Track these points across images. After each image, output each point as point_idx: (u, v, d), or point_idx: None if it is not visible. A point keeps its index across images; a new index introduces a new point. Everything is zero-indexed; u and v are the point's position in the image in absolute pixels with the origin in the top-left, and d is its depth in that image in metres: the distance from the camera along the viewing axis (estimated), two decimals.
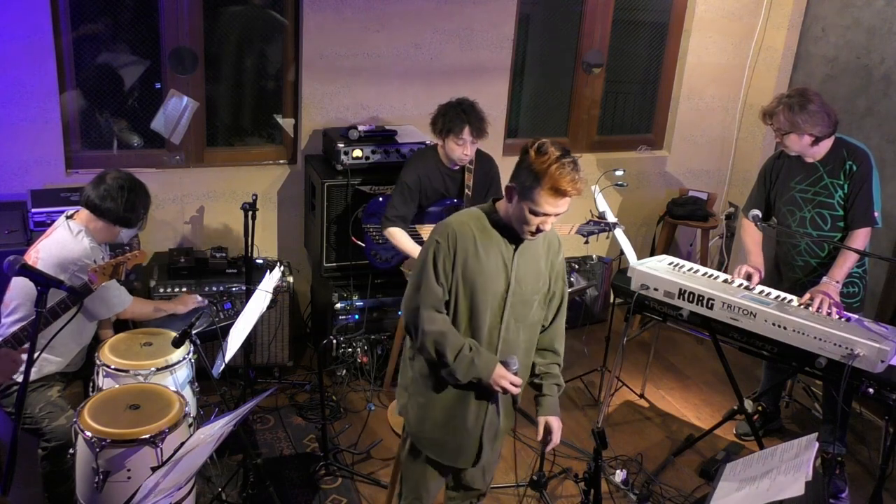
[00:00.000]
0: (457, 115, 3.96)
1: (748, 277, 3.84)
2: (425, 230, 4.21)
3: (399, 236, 4.11)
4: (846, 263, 3.70)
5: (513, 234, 2.65)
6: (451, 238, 2.62)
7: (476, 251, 2.63)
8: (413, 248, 4.08)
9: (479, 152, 4.19)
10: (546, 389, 2.84)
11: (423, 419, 2.83)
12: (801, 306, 3.63)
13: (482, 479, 3.02)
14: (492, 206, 2.71)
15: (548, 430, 2.80)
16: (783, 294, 3.74)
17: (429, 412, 2.80)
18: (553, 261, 2.78)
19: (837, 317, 3.55)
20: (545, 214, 2.54)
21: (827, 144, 3.73)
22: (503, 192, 2.68)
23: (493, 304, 2.67)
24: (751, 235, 3.99)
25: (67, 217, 3.36)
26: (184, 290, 4.30)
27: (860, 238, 3.71)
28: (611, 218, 4.34)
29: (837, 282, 3.68)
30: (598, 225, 4.19)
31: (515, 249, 2.67)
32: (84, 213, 3.35)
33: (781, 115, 3.66)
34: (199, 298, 3.82)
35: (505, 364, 2.66)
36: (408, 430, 2.91)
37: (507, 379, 2.64)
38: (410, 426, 2.88)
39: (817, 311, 3.57)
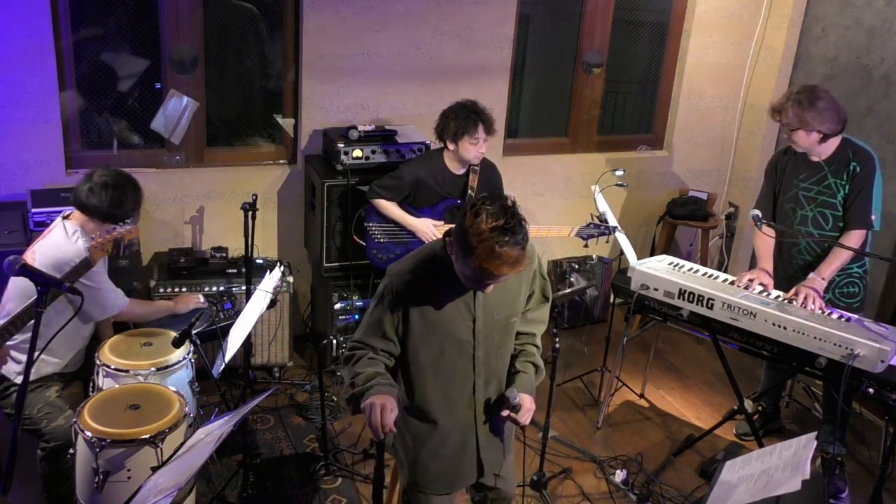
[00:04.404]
0: (468, 116, 4.03)
1: (759, 284, 3.84)
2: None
3: (389, 206, 4.23)
4: (835, 262, 3.70)
5: None
6: (397, 293, 2.49)
7: (431, 299, 2.49)
8: (403, 216, 4.23)
9: (482, 158, 4.22)
10: (520, 366, 2.72)
11: (415, 458, 2.72)
12: (786, 301, 3.66)
13: (504, 483, 2.90)
14: (444, 245, 2.49)
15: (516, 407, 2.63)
16: (783, 294, 3.75)
17: (420, 448, 2.70)
18: (529, 274, 2.63)
19: (821, 312, 3.57)
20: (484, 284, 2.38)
21: (834, 143, 3.72)
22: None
23: (462, 346, 2.57)
24: (762, 239, 3.95)
25: (64, 217, 3.36)
26: (184, 290, 4.31)
27: (853, 239, 3.70)
28: (612, 220, 4.34)
29: (823, 279, 3.69)
30: (598, 228, 4.20)
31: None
32: (78, 212, 3.35)
33: (790, 111, 3.64)
34: (202, 299, 3.82)
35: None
36: (403, 474, 2.79)
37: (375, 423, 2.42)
38: (404, 471, 2.77)
39: (802, 305, 3.61)
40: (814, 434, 2.66)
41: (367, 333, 2.59)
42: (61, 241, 3.27)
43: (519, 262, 2.29)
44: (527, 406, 2.62)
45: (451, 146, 4.13)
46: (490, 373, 2.66)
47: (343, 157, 4.41)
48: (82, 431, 2.92)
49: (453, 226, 2.43)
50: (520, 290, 2.64)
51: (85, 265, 3.16)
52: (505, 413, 2.62)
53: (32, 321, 2.64)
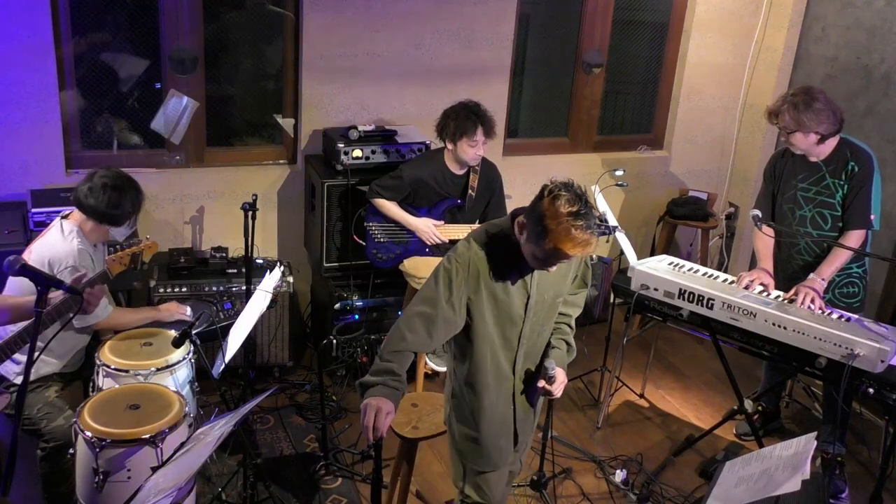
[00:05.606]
0: (468, 118, 4.04)
1: (759, 284, 3.83)
2: (450, 231, 4.25)
3: (389, 205, 4.24)
4: (836, 262, 3.70)
5: None
6: (471, 266, 2.58)
7: (499, 275, 2.61)
8: (403, 216, 4.23)
9: (482, 158, 4.22)
10: (554, 342, 2.85)
11: (468, 429, 2.80)
12: (786, 301, 3.66)
13: (518, 462, 3.04)
14: (511, 225, 2.60)
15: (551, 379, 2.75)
16: (783, 294, 3.74)
17: (476, 418, 2.78)
18: (577, 260, 2.75)
19: (821, 312, 3.58)
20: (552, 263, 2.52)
21: (832, 144, 3.72)
22: (505, 205, 2.60)
23: (514, 319, 2.68)
24: (762, 240, 3.95)
25: (62, 217, 3.37)
26: (184, 289, 4.31)
27: (853, 239, 3.70)
28: (612, 220, 4.34)
29: (823, 279, 3.69)
30: (598, 227, 4.19)
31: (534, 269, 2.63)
32: (77, 212, 3.35)
33: (787, 114, 3.65)
34: (188, 312, 3.74)
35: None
36: (454, 446, 2.88)
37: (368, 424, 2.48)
38: (456, 442, 2.85)
39: (801, 305, 3.61)
40: (814, 434, 2.66)
41: (422, 303, 2.61)
42: (56, 239, 3.28)
43: (589, 245, 2.46)
44: (560, 379, 2.75)
45: (450, 146, 4.13)
46: (530, 346, 2.78)
47: (343, 157, 4.41)
48: (82, 431, 2.92)
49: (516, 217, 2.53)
50: (569, 272, 2.78)
51: (102, 278, 3.16)
52: (540, 384, 2.74)
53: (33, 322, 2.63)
